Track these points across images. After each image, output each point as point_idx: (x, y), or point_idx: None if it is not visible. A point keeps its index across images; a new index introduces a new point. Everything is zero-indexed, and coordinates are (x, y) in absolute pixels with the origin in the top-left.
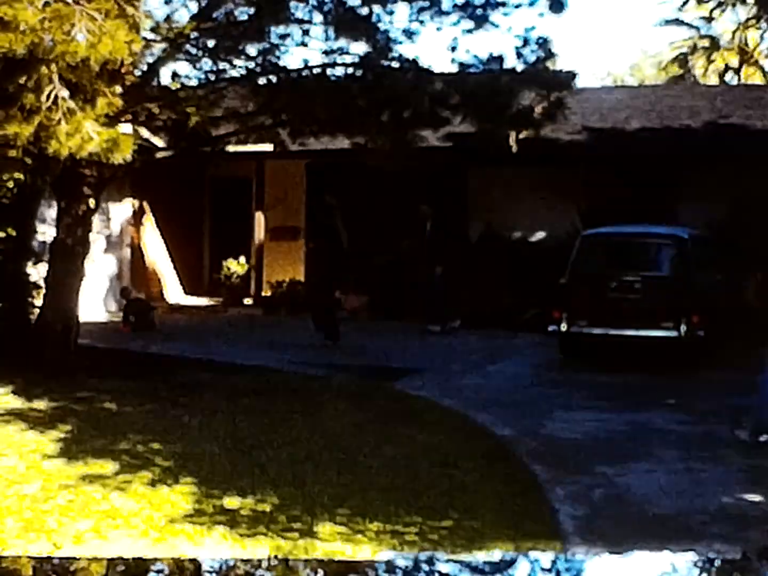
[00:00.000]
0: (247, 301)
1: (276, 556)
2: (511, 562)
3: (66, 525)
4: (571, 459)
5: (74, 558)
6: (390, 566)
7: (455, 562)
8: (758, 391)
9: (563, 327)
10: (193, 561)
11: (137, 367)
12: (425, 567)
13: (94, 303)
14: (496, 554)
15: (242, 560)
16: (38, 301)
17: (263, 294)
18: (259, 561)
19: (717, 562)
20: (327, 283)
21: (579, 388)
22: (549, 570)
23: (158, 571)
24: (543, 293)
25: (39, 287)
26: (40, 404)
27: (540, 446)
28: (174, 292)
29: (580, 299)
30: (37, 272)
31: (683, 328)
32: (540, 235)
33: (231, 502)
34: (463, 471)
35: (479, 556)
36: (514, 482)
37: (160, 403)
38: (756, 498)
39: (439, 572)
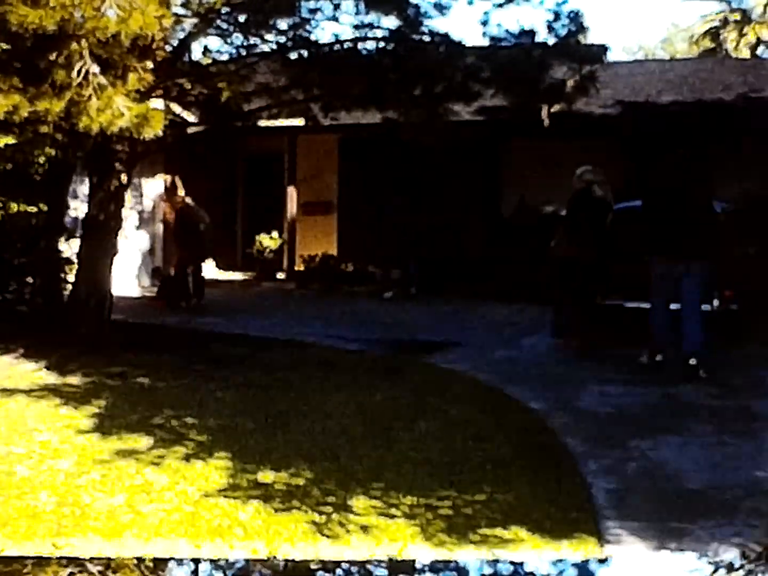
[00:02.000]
0: (280, 275)
1: (275, 557)
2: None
3: (100, 500)
4: (605, 433)
5: (74, 558)
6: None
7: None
8: (649, 317)
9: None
10: (194, 561)
11: (171, 341)
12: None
13: (128, 278)
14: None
15: (242, 560)
16: (71, 277)
17: (296, 268)
18: (260, 561)
19: (717, 562)
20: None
21: (613, 361)
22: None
23: (159, 571)
24: None
25: (72, 263)
26: (74, 379)
27: (573, 420)
28: (207, 267)
29: (614, 273)
30: (70, 248)
31: (716, 302)
32: None
33: (265, 476)
34: (497, 445)
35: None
36: (548, 456)
37: (194, 377)
38: None
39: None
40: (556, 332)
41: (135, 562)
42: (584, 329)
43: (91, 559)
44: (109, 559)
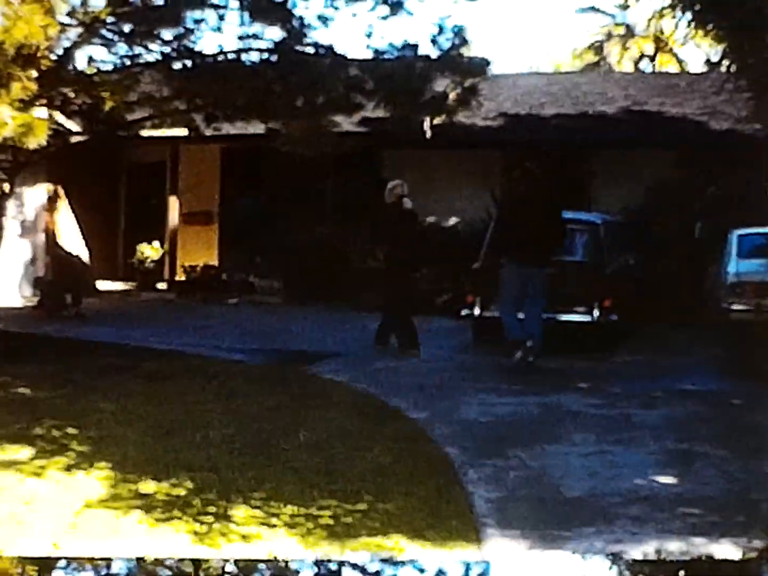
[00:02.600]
0: (161, 285)
1: (276, 557)
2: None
3: None
4: (485, 442)
5: (74, 558)
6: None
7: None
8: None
9: (476, 311)
10: (194, 561)
11: (53, 351)
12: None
13: (9, 288)
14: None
15: (243, 560)
16: None
17: (177, 278)
18: (260, 561)
19: (717, 563)
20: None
21: (493, 371)
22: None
23: (158, 571)
24: (457, 278)
25: None
26: None
27: (454, 429)
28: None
29: (494, 283)
30: None
31: (596, 312)
32: (454, 219)
33: (146, 486)
34: (378, 454)
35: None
36: (429, 465)
37: (76, 387)
38: (667, 480)
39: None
40: (377, 338)
41: (135, 561)
42: (399, 335)
43: (91, 560)
44: (109, 559)
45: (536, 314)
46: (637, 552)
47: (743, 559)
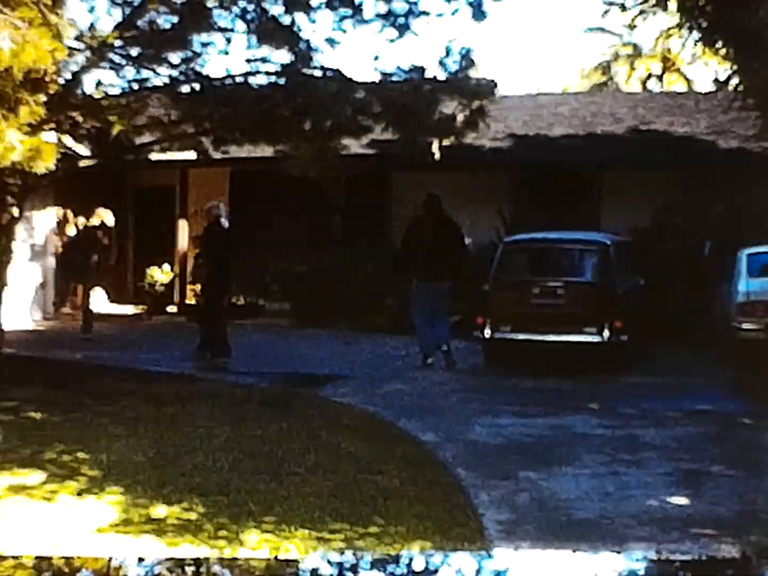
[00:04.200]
0: (171, 309)
1: (276, 557)
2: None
3: None
4: (496, 464)
5: (74, 557)
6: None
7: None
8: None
9: (487, 333)
10: (196, 560)
11: (63, 375)
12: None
13: (19, 312)
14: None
15: (245, 559)
16: None
17: (187, 302)
18: (261, 560)
19: (716, 562)
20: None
21: (503, 393)
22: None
23: (159, 571)
24: (467, 299)
25: None
26: None
27: (464, 451)
28: (98, 301)
29: (503, 305)
30: None
31: (606, 333)
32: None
33: (157, 510)
34: (388, 477)
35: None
36: (439, 487)
37: (86, 412)
38: (679, 500)
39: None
40: (200, 345)
41: (134, 561)
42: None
43: (92, 559)
44: (110, 558)
45: (446, 325)
46: None
47: (743, 559)
